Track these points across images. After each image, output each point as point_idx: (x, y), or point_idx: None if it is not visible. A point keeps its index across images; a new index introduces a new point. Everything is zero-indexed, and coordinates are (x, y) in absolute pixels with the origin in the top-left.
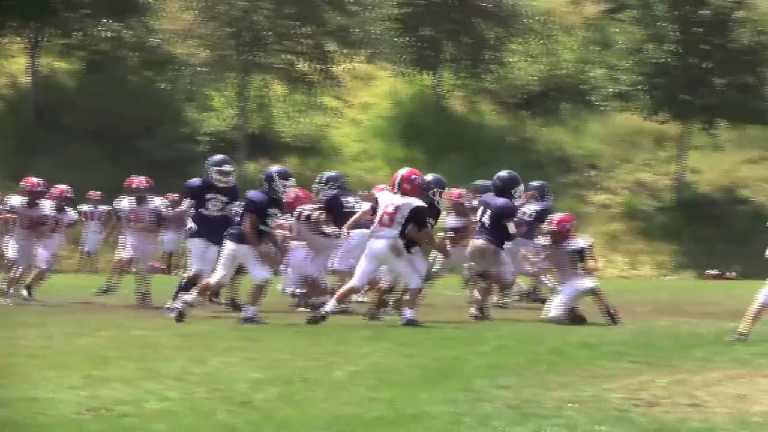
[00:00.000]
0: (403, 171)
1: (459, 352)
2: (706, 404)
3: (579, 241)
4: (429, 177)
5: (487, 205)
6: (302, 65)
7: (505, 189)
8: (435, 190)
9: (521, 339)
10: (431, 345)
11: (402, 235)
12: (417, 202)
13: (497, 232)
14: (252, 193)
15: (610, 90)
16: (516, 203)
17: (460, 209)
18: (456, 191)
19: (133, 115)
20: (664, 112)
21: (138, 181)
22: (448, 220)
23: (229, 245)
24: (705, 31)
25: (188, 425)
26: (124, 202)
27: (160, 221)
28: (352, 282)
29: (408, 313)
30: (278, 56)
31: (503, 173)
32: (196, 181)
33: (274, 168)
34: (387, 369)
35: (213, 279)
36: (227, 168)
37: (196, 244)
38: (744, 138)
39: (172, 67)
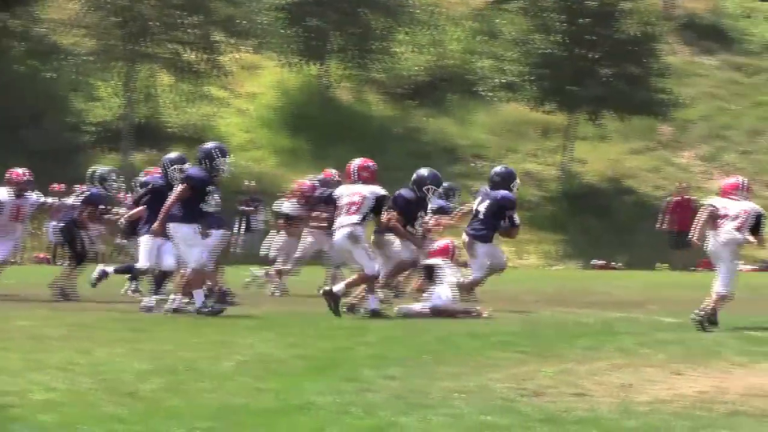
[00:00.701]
0: (357, 161)
1: (345, 342)
2: (591, 394)
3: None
4: (424, 171)
5: (486, 196)
6: (189, 55)
7: (503, 183)
8: (429, 186)
9: (408, 329)
10: (317, 335)
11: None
12: (381, 191)
13: (493, 223)
14: (192, 170)
15: (497, 80)
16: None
17: (304, 198)
18: (308, 183)
19: (18, 104)
20: (550, 103)
21: (20, 173)
22: (285, 206)
23: (180, 229)
24: (591, 21)
25: (74, 416)
26: (2, 194)
27: (42, 212)
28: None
29: (372, 302)
30: (165, 46)
31: (499, 168)
32: (160, 179)
33: (210, 145)
34: (273, 359)
35: (193, 266)
36: (188, 166)
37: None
38: (630, 128)
39: (58, 56)
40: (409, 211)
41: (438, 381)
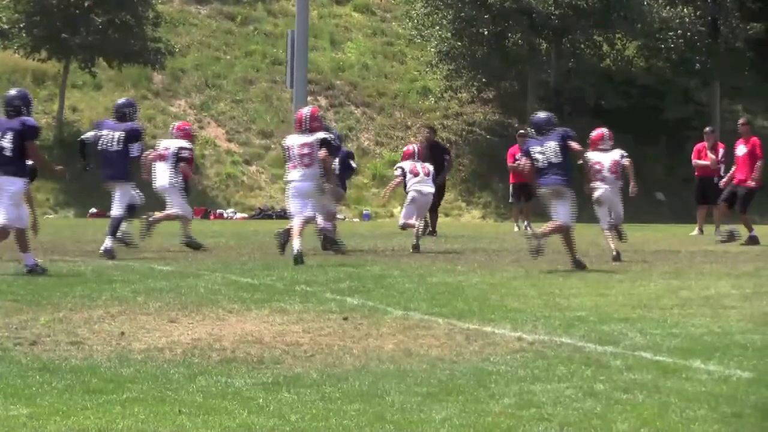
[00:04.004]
0: (307, 109)
1: None
2: (87, 342)
3: None
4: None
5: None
6: None
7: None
8: None
9: None
10: None
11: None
12: (323, 134)
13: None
14: (33, 120)
15: None
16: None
17: None
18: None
19: None
20: (44, 51)
21: None
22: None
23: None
24: None
25: None
26: None
27: None
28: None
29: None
30: None
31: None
32: None
33: (22, 90)
34: None
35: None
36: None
37: None
38: (123, 77)
39: None
40: None
41: None
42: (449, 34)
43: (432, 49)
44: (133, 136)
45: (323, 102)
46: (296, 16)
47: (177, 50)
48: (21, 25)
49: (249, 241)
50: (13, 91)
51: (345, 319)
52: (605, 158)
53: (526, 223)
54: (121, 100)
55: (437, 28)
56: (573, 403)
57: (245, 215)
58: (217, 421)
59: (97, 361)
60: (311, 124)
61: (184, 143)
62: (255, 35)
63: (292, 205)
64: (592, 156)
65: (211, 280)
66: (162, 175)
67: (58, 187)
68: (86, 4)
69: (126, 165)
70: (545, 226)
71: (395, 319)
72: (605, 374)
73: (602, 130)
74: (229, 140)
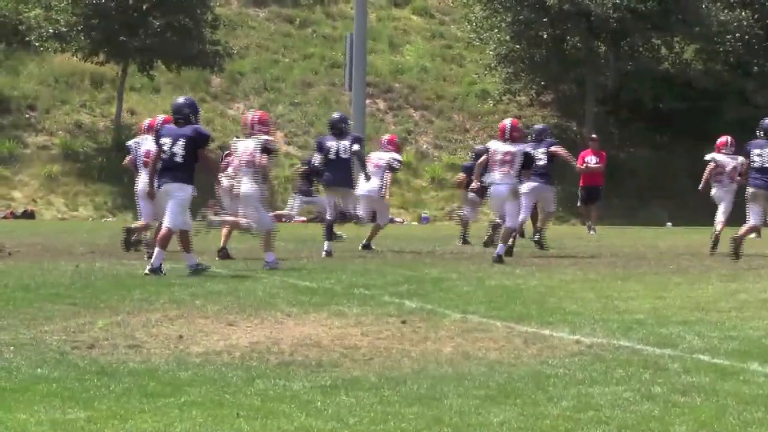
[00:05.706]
0: (507, 121)
1: None
2: (145, 345)
3: None
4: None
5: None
6: None
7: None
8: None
9: None
10: None
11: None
12: (526, 147)
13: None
14: (203, 128)
15: (50, 30)
16: None
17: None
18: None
19: None
20: (102, 54)
21: None
22: None
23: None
24: None
25: None
26: None
27: None
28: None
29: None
30: None
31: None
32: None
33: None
34: None
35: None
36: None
37: None
38: (182, 80)
39: None
40: None
41: None
42: (508, 37)
43: (490, 52)
44: (358, 140)
45: (381, 105)
46: (355, 19)
47: (235, 53)
48: (79, 28)
49: (307, 244)
50: (180, 99)
51: (403, 322)
52: (728, 163)
53: (591, 225)
54: (334, 116)
55: (496, 31)
56: (631, 405)
57: (304, 218)
58: (275, 424)
59: (155, 364)
60: (512, 134)
61: (396, 155)
62: (313, 38)
63: (490, 205)
64: (718, 158)
65: (270, 284)
66: (372, 183)
67: (117, 190)
68: (144, 7)
69: (352, 173)
70: (741, 230)
71: (453, 322)
72: (663, 377)
73: (726, 138)
74: (288, 143)
